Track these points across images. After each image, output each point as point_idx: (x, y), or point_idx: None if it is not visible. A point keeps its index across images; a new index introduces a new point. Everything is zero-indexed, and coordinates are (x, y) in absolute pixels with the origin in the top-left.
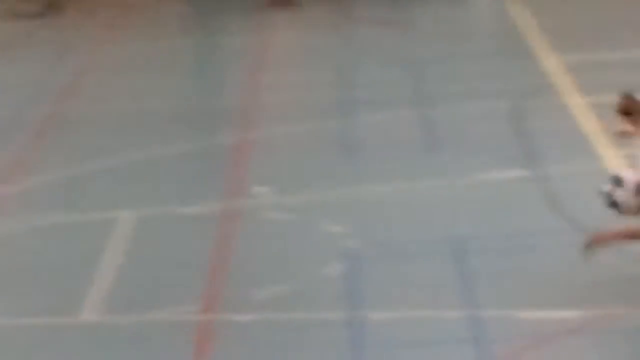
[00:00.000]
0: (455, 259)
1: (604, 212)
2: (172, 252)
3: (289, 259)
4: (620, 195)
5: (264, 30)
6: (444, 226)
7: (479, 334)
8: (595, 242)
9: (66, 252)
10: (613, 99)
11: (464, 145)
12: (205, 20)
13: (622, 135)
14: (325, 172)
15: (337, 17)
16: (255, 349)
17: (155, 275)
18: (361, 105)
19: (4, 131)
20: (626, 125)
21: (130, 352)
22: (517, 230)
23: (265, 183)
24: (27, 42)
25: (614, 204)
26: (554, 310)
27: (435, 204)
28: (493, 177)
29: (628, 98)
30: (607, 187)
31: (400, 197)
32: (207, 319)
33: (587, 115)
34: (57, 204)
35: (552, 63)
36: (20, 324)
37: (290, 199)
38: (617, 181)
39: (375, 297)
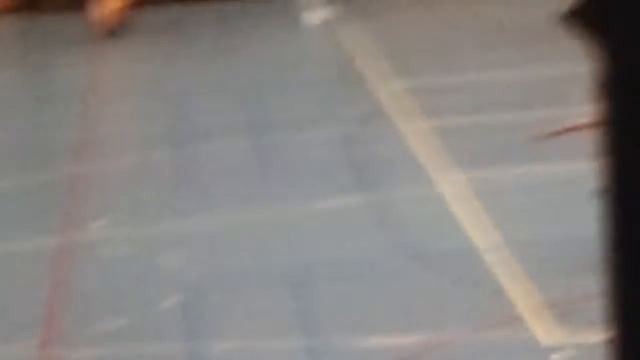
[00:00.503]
0: (294, 288)
1: (438, 238)
2: (7, 289)
3: (128, 293)
4: None
5: (94, 62)
6: (281, 255)
7: None
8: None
9: None
10: (444, 123)
11: (299, 174)
12: (35, 54)
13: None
14: (161, 204)
15: (165, 48)
16: None
17: None
18: (195, 135)
19: None
20: None
21: None
22: (353, 257)
23: (101, 217)
24: None
25: None
26: (393, 337)
27: (270, 233)
28: (329, 205)
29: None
30: None
31: (237, 227)
32: (45, 355)
33: (423, 140)
34: None
35: (386, 88)
36: None
37: (127, 233)
38: None
39: (216, 328)
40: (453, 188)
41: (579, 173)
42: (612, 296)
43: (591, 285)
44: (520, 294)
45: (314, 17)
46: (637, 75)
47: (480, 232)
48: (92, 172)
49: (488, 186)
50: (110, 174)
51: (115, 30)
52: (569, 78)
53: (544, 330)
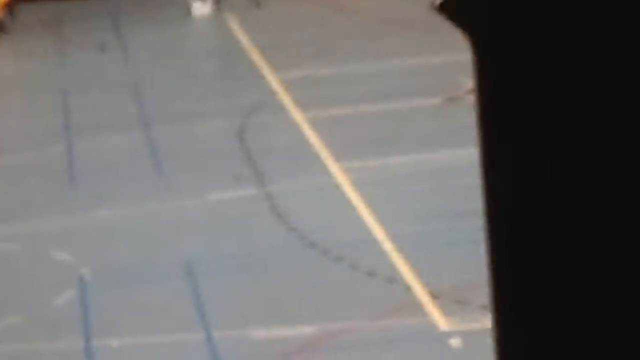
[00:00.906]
0: (187, 281)
1: (333, 227)
2: None
3: (20, 290)
4: None
5: None
6: (174, 248)
7: (215, 356)
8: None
9: None
10: (332, 113)
11: (191, 166)
12: None
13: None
14: (49, 201)
15: (53, 43)
16: None
17: None
18: (82, 130)
19: None
20: None
21: None
22: (248, 248)
23: None
24: None
25: None
26: (287, 327)
27: (164, 226)
28: (222, 197)
29: None
30: None
31: (128, 221)
32: None
33: (314, 130)
34: None
35: (273, 81)
36: None
37: (16, 229)
38: None
39: (112, 324)
40: (346, 177)
41: (463, 160)
42: (491, 283)
43: (482, 272)
44: (415, 282)
45: (203, 8)
46: (500, 66)
47: (374, 221)
48: None
49: (379, 175)
50: None
51: (3, 26)
52: (449, 66)
53: (440, 316)
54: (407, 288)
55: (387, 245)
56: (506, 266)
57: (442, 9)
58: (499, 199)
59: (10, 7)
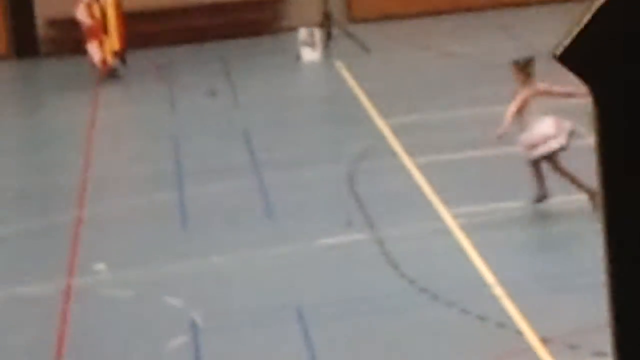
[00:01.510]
0: (298, 326)
1: (443, 272)
2: (14, 333)
3: (133, 335)
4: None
5: (94, 106)
6: (285, 293)
7: None
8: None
9: None
10: (442, 158)
11: (301, 211)
12: (35, 98)
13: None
14: (162, 247)
15: (163, 89)
16: None
17: None
18: (193, 176)
19: None
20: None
21: None
22: (358, 293)
23: (103, 259)
24: None
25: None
26: None
27: (275, 271)
28: (332, 242)
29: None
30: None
31: (239, 266)
32: None
33: (424, 175)
34: None
35: (382, 126)
36: None
37: (129, 275)
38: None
39: None
40: (456, 222)
41: (572, 205)
42: (613, 330)
43: (598, 316)
44: (526, 327)
45: (312, 55)
46: (623, 115)
47: (484, 266)
48: (93, 214)
49: (488, 220)
50: (111, 216)
51: (115, 73)
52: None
53: None
54: (518, 333)
55: (498, 290)
56: (631, 313)
57: (564, 58)
58: (623, 245)
59: (121, 54)
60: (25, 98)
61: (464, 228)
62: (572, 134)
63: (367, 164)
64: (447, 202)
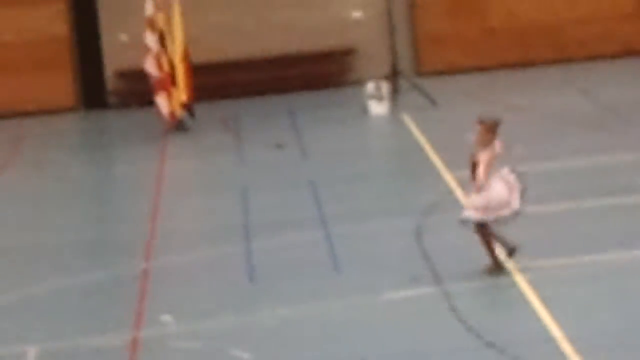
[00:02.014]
0: None
1: (510, 327)
2: None
3: None
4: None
5: (162, 158)
6: (352, 346)
7: None
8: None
9: None
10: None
11: (368, 264)
12: (103, 149)
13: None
14: (229, 298)
15: (231, 141)
16: None
17: None
18: (261, 228)
19: None
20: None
21: None
22: (425, 347)
23: (169, 311)
24: None
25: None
26: None
27: (341, 324)
28: (398, 295)
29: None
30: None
31: (305, 319)
32: None
33: None
34: None
35: (449, 180)
36: None
37: (197, 327)
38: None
39: None
40: (523, 276)
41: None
42: None
43: None
44: None
45: (380, 108)
46: None
47: (551, 321)
48: (160, 266)
49: (557, 274)
50: (178, 268)
51: (183, 125)
52: (624, 165)
53: None
54: None
55: (565, 346)
56: None
57: None
58: None
59: (189, 107)
60: (93, 149)
61: (531, 282)
62: (523, 194)
63: (434, 218)
64: (518, 257)
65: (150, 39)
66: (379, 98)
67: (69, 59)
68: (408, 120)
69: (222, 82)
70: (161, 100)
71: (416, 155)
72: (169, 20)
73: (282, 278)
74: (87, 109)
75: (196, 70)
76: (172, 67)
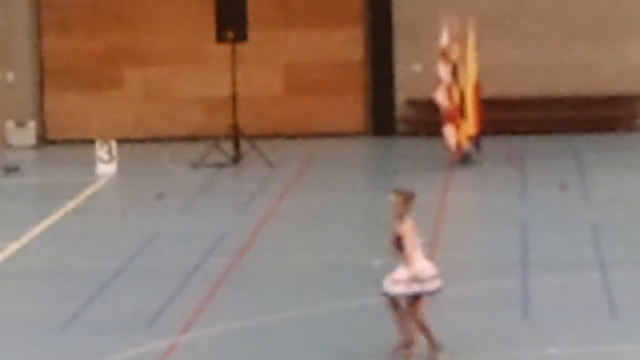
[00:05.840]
0: None
1: None
2: None
3: None
4: None
5: (445, 188)
6: None
7: None
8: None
9: None
10: None
11: None
12: (387, 176)
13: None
14: (502, 332)
15: (514, 178)
16: None
17: None
18: (539, 267)
19: (184, 281)
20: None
21: None
22: None
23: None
24: (212, 191)
25: None
26: None
27: None
28: None
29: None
30: None
31: None
32: None
33: None
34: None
35: None
36: None
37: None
38: None
39: None
40: None
41: None
42: None
43: None
44: None
45: None
46: None
47: None
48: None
49: None
50: (459, 297)
51: (468, 157)
52: None
53: None
54: None
55: None
56: None
57: None
58: None
59: (476, 139)
60: (378, 175)
61: None
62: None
63: None
64: None
65: (443, 70)
66: None
67: (361, 84)
68: None
69: (510, 117)
70: (449, 132)
71: None
72: (462, 52)
73: (555, 318)
74: (375, 135)
75: (486, 104)
76: (462, 99)
